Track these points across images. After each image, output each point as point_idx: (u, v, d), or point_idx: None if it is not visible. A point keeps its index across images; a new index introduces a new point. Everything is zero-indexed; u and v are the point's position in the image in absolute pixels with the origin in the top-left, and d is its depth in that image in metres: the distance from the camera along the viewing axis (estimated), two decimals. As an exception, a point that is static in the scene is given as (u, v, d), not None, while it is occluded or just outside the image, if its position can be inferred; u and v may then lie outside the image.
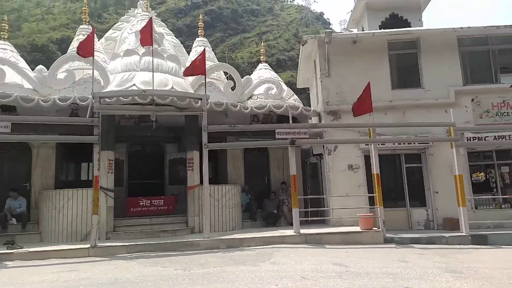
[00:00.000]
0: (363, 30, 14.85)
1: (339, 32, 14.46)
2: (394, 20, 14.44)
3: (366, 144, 11.17)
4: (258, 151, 13.31)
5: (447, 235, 9.72)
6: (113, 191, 10.32)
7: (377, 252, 8.19)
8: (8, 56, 11.66)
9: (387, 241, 9.44)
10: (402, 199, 11.87)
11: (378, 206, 9.94)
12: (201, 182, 10.10)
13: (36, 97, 10.30)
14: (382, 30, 13.01)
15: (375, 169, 10.04)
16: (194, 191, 10.75)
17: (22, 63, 12.15)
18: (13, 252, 8.20)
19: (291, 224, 10.25)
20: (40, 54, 39.95)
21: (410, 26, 14.09)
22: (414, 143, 11.76)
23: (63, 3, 66.97)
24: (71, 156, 12.36)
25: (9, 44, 12.56)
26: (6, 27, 12.82)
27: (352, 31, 16.31)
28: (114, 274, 6.41)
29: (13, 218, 10.10)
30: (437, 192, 11.66)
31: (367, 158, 11.30)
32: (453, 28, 12.20)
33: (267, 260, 7.22)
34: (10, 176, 11.02)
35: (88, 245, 8.58)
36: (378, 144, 10.64)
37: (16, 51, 12.69)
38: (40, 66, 11.91)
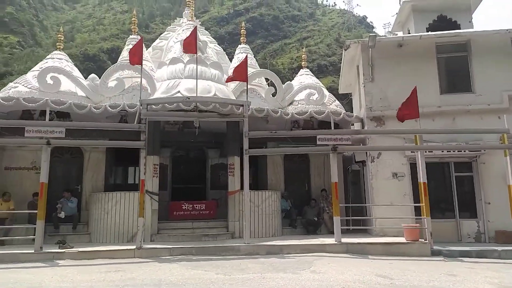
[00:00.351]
0: (409, 33, 14.38)
1: (383, 36, 14.09)
2: (443, 22, 13.85)
3: (412, 152, 10.77)
4: (298, 157, 13.22)
5: (499, 248, 9.15)
6: (158, 195, 10.66)
7: (423, 265, 7.84)
8: (64, 66, 12.41)
9: (435, 253, 9.01)
10: (451, 210, 11.31)
11: (425, 216, 9.52)
12: (242, 187, 10.20)
13: (89, 104, 10.90)
14: (430, 33, 12.52)
15: (422, 178, 9.64)
16: (235, 196, 10.86)
17: (76, 72, 12.89)
18: (64, 252, 8.64)
19: (332, 233, 10.07)
20: (91, 63, 42.33)
21: (459, 28, 13.46)
22: (464, 151, 11.19)
23: (113, 15, 70.65)
24: (119, 160, 12.92)
25: (64, 54, 13.37)
26: (62, 38, 13.68)
27: (397, 35, 15.86)
28: (158, 275, 6.60)
29: (62, 212, 10.62)
30: (489, 203, 11.00)
31: (413, 166, 10.88)
32: (507, 30, 11.51)
33: (307, 268, 7.13)
34: (64, 179, 11.67)
35: (134, 247, 8.90)
36: (426, 152, 10.23)
37: (70, 60, 13.47)
38: (92, 75, 12.59)
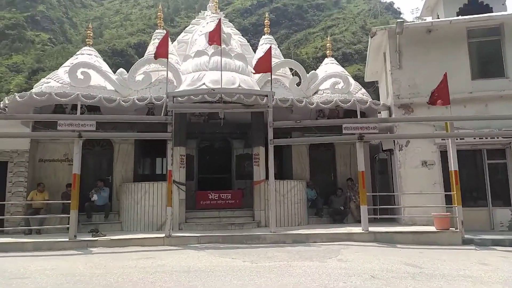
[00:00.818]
0: (438, 18, 13.89)
1: (411, 22, 13.65)
2: (474, 6, 13.27)
3: (442, 139, 10.48)
4: (324, 146, 13.13)
5: (535, 238, 8.80)
6: (185, 185, 10.87)
7: (454, 254, 7.67)
8: (93, 61, 12.76)
9: (466, 242, 8.79)
10: (483, 198, 10.96)
11: (456, 205, 9.27)
12: (267, 177, 10.25)
13: (118, 98, 11.19)
14: (461, 17, 12.05)
15: (453, 166, 9.38)
16: (260, 186, 10.93)
17: (105, 67, 13.23)
18: (97, 240, 8.97)
19: (358, 222, 9.99)
20: (119, 58, 43.26)
21: (491, 11, 12.87)
22: (497, 138, 10.80)
23: (139, 10, 71.74)
24: (147, 151, 13.24)
25: (93, 49, 13.72)
26: (91, 34, 14.04)
27: (426, 20, 15.33)
28: (187, 262, 6.77)
29: (94, 195, 11.02)
30: (524, 191, 10.58)
31: (443, 154, 10.60)
32: (544, 10, 10.92)
33: (334, 257, 7.12)
34: (95, 170, 12.11)
35: (163, 235, 9.15)
36: (457, 139, 9.92)
37: (99, 56, 13.83)
38: (120, 69, 12.89)
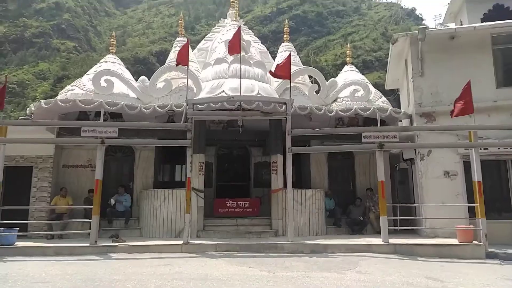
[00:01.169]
0: (461, 25, 13.63)
1: (433, 28, 13.44)
2: (498, 12, 13.00)
3: (466, 149, 10.22)
4: (342, 155, 12.98)
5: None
6: (203, 192, 10.94)
7: (477, 268, 7.43)
8: (116, 69, 13.03)
9: (490, 256, 8.49)
10: (508, 210, 10.60)
11: (479, 217, 9.00)
12: (285, 185, 10.20)
13: (139, 105, 11.40)
14: (485, 23, 11.79)
15: (477, 177, 9.12)
16: (278, 194, 10.89)
17: (127, 75, 13.49)
18: (117, 245, 9.10)
19: (378, 233, 9.81)
20: (142, 66, 44.18)
21: (518, 17, 12.55)
22: (523, 148, 10.43)
23: (161, 18, 73.24)
24: (167, 158, 13.40)
25: (117, 57, 14.01)
26: (114, 43, 14.38)
27: (448, 26, 15.08)
28: (204, 270, 6.79)
29: (111, 199, 11.15)
30: (552, 204, 10.18)
31: (466, 164, 10.33)
32: None
33: (353, 268, 7.00)
34: (117, 176, 12.32)
35: (181, 242, 9.20)
36: (480, 149, 9.66)
37: (122, 63, 14.09)
38: (142, 77, 13.12)
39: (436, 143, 10.99)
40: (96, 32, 66.16)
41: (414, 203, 11.89)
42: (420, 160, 11.17)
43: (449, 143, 10.81)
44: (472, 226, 9.27)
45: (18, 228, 9.36)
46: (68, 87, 12.88)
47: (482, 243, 8.75)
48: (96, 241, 9.08)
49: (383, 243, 9.11)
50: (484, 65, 11.20)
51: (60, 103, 10.98)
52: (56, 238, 10.47)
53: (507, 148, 10.52)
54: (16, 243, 9.12)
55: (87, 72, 13.38)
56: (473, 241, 8.94)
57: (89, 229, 9.21)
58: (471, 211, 9.74)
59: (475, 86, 9.55)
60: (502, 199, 10.77)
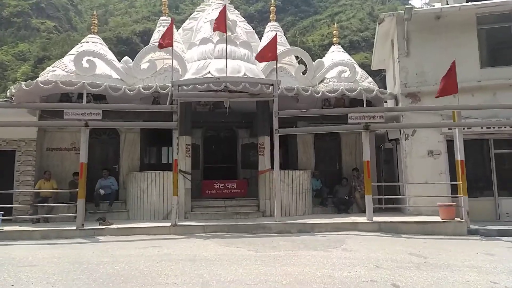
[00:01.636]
0: (447, 4, 13.63)
1: (419, 8, 13.39)
2: (484, -9, 13.00)
3: (449, 129, 10.38)
4: (329, 136, 13.06)
5: (541, 228, 8.76)
6: (190, 174, 10.92)
7: (459, 244, 7.67)
8: (98, 49, 12.69)
9: (471, 232, 8.78)
10: (489, 188, 10.89)
11: (461, 195, 9.23)
12: (272, 166, 10.25)
13: (123, 87, 11.18)
14: (470, 3, 11.81)
15: (460, 155, 9.31)
16: (265, 176, 10.94)
17: (110, 55, 13.15)
18: (104, 228, 9.08)
19: (363, 211, 9.99)
20: (125, 46, 43.14)
21: (503, -3, 12.59)
22: (505, 127, 10.64)
23: (144, -4, 71.08)
24: (153, 140, 13.26)
25: (98, 37, 13.62)
26: (96, 22, 13.93)
27: (434, 6, 15.06)
28: (193, 251, 6.84)
29: (100, 190, 11.13)
30: (532, 182, 10.50)
31: (449, 144, 10.52)
32: (558, -4, 10.66)
33: (339, 246, 7.15)
34: (102, 159, 12.16)
35: (169, 224, 9.24)
36: (464, 128, 9.83)
37: (104, 44, 13.72)
38: (126, 58, 12.82)
39: (420, 123, 11.14)
40: (77, 11, 64.11)
41: (399, 182, 12.12)
42: (405, 140, 11.33)
43: (433, 123, 10.96)
44: (455, 203, 9.52)
45: (2, 213, 9.25)
46: (49, 68, 12.53)
47: (464, 220, 9.01)
48: (83, 224, 9.04)
49: (368, 221, 9.30)
50: (469, 45, 11.28)
51: (41, 84, 10.71)
52: (42, 222, 10.39)
53: (490, 128, 10.72)
54: (1, 228, 9.01)
55: (68, 53, 12.99)
56: (455, 218, 9.20)
57: (75, 213, 9.14)
58: (454, 189, 10.00)
59: (460, 66, 9.63)
60: (484, 177, 11.05)
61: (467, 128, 10.35)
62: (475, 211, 9.58)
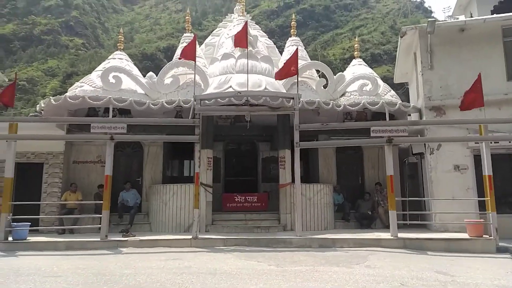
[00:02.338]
0: (471, 17, 13.43)
1: (443, 21, 13.23)
2: (509, 3, 12.78)
3: (476, 143, 10.10)
4: (351, 150, 12.90)
5: None
6: (212, 187, 10.99)
7: (488, 262, 7.38)
8: (124, 65, 13.08)
9: (500, 250, 8.42)
10: (519, 204, 10.48)
11: (490, 211, 8.92)
12: (293, 180, 10.20)
13: (147, 101, 11.46)
14: (495, 15, 11.61)
15: (487, 170, 9.03)
16: (286, 189, 10.89)
17: (135, 71, 13.53)
18: (127, 240, 9.20)
19: (387, 227, 9.78)
20: (149, 62, 44.37)
21: (530, 8, 12.32)
22: (534, 141, 10.28)
23: (168, 14, 73.36)
24: (175, 153, 13.47)
25: (124, 54, 14.05)
26: (122, 39, 14.41)
27: (458, 19, 14.86)
28: (213, 265, 6.83)
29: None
30: None
31: (476, 158, 10.22)
32: None
33: (362, 263, 6.99)
34: (126, 172, 12.40)
35: (190, 236, 9.27)
36: (491, 142, 9.55)
37: (130, 60, 14.14)
38: (150, 73, 13.15)
39: (446, 137, 10.89)
40: (104, 28, 66.50)
41: (424, 197, 11.82)
42: (430, 154, 11.08)
43: (459, 137, 10.70)
44: (483, 220, 9.18)
45: (29, 223, 9.50)
46: (77, 83, 12.97)
47: (492, 237, 8.68)
48: (106, 236, 9.19)
49: (392, 237, 9.08)
50: (495, 57, 11.04)
51: (69, 99, 11.09)
52: (67, 232, 10.61)
53: (518, 142, 10.37)
54: (28, 238, 9.26)
55: (96, 69, 13.46)
56: (483, 236, 8.86)
57: (100, 224, 9.31)
58: (481, 205, 9.67)
59: (485, 79, 9.44)
60: (513, 193, 10.65)
61: (495, 142, 10.04)
62: (504, 228, 9.20)
